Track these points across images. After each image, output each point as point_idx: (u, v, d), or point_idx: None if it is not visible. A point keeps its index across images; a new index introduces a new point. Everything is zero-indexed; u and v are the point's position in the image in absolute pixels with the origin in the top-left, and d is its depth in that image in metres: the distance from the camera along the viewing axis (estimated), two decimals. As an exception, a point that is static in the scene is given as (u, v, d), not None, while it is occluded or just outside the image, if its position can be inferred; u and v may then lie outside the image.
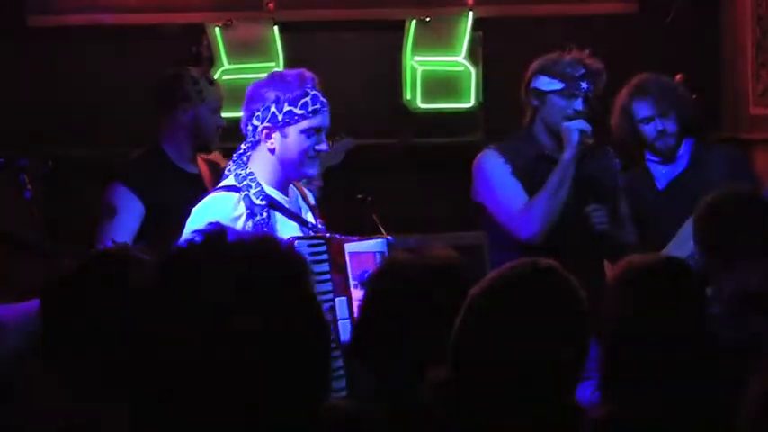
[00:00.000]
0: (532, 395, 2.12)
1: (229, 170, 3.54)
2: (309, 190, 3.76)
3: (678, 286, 2.57)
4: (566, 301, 2.19)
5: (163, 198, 4.08)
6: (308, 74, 3.53)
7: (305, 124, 3.47)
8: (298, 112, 3.45)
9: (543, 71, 4.05)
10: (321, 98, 3.51)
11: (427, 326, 2.40)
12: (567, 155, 3.94)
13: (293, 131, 3.48)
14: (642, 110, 4.34)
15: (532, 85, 4.07)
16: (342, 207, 4.08)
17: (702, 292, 2.64)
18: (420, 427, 2.24)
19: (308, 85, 3.49)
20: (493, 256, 4.11)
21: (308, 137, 3.48)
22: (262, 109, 3.48)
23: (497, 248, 4.07)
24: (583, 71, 4.00)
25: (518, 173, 4.01)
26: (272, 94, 3.48)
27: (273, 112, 3.47)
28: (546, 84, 4.03)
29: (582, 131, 3.93)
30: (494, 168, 4.04)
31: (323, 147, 3.51)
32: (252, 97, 3.53)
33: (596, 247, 4.01)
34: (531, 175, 3.99)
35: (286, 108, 3.46)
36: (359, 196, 4.70)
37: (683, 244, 4.18)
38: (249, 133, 3.52)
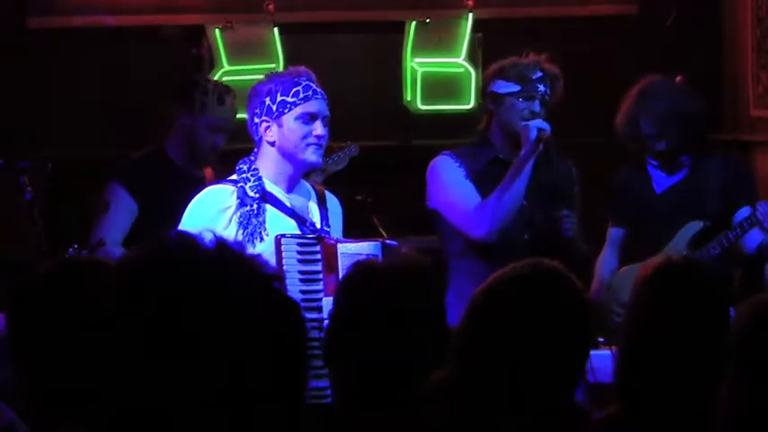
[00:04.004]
0: (534, 395, 2.12)
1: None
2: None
3: (699, 289, 2.53)
4: (568, 301, 2.19)
5: (160, 198, 4.07)
6: (303, 68, 3.57)
7: (298, 110, 3.49)
8: (290, 99, 3.49)
9: (500, 75, 4.00)
10: (315, 87, 3.52)
11: (395, 332, 2.35)
12: (524, 151, 3.85)
13: (288, 119, 3.50)
14: (647, 128, 4.26)
15: (490, 89, 4.02)
16: (342, 209, 4.07)
17: (723, 296, 2.61)
18: (419, 428, 2.24)
19: (302, 77, 3.52)
20: (450, 263, 4.00)
21: (304, 122, 3.49)
22: (258, 105, 3.53)
23: (455, 255, 3.98)
24: (540, 74, 3.96)
25: (471, 176, 3.95)
26: (265, 89, 3.53)
27: (268, 105, 3.51)
28: (503, 87, 3.97)
29: (540, 129, 3.84)
30: (446, 171, 3.99)
31: (320, 132, 3.50)
32: (250, 97, 3.58)
33: (559, 255, 3.88)
34: (485, 179, 3.92)
35: (279, 98, 3.50)
36: (359, 198, 4.70)
37: (677, 252, 4.17)
38: (253, 132, 3.55)
